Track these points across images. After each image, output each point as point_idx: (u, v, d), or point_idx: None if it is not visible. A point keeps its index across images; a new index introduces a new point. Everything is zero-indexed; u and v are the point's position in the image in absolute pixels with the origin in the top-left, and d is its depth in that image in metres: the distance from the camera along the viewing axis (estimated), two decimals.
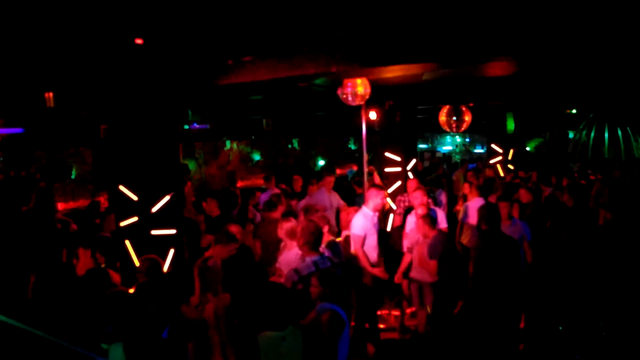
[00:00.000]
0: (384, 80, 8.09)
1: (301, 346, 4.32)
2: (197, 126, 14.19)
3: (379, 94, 9.10)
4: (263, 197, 10.37)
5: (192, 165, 15.42)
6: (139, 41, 5.06)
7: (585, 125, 19.53)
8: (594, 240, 6.64)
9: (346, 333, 4.50)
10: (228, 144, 17.38)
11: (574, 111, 16.47)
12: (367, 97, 7.61)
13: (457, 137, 22.90)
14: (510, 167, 15.31)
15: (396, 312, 8.28)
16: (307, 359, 4.35)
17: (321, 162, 18.73)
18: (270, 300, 4.42)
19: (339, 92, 7.76)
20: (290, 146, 18.55)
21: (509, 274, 6.00)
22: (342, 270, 5.63)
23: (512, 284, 5.98)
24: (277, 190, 10.51)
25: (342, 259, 6.62)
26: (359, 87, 7.37)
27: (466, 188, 9.59)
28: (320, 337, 4.41)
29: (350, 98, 7.55)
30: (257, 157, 17.89)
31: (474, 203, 8.63)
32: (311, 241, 5.40)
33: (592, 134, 20.20)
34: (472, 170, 13.59)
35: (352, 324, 6.62)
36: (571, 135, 21.42)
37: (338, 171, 14.22)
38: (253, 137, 17.20)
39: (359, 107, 8.67)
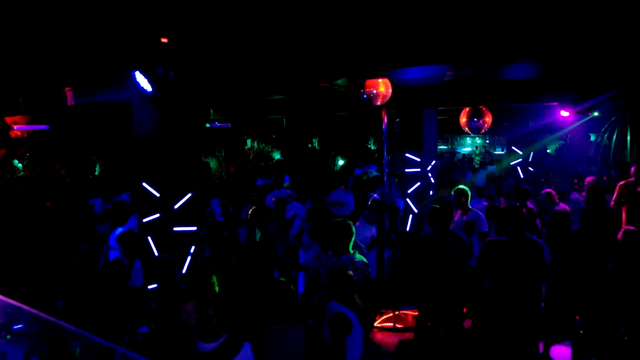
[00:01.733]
0: (406, 81, 8.13)
1: (302, 342, 4.43)
2: (218, 125, 14.31)
3: (400, 95, 9.13)
4: (274, 195, 10.37)
5: (213, 164, 15.55)
6: (164, 40, 5.16)
7: (607, 127, 19.32)
8: (615, 243, 6.59)
9: (355, 334, 4.57)
10: (249, 142, 17.50)
11: (595, 114, 16.30)
12: (389, 97, 7.66)
13: (477, 138, 22.80)
14: (530, 169, 15.23)
15: (414, 312, 8.30)
16: (310, 354, 4.45)
17: (340, 162, 18.78)
18: (272, 296, 4.55)
19: (362, 92, 7.81)
20: (310, 146, 18.62)
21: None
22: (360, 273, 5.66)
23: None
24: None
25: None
26: (380, 87, 7.42)
27: None
28: (326, 335, 4.53)
29: (372, 98, 7.61)
30: (277, 156, 17.99)
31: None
32: (339, 241, 5.52)
33: (614, 137, 19.98)
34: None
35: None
36: (592, 138, 21.22)
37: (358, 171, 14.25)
38: (274, 136, 17.32)
39: (379, 108, 8.72)
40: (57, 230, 7.75)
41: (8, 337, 1.92)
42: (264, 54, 7.12)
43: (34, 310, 1.82)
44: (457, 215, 8.02)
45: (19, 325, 2.14)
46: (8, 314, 2.00)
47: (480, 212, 8.12)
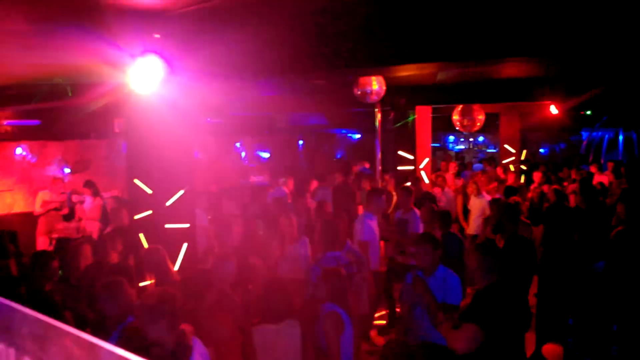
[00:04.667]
0: (399, 79, 8.10)
1: (298, 342, 4.33)
2: (210, 121, 14.24)
3: (394, 93, 9.12)
4: (271, 195, 10.38)
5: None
6: (156, 35, 5.09)
7: (599, 126, 19.41)
8: (608, 241, 6.60)
9: (347, 334, 4.52)
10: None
11: (588, 112, 16.36)
12: (382, 94, 7.64)
13: (470, 136, 22.82)
14: (523, 167, 15.25)
15: None
16: (305, 355, 4.37)
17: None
18: (269, 293, 4.46)
19: (355, 89, 7.78)
20: (301, 142, 18.57)
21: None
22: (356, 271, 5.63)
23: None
24: (285, 189, 10.56)
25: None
26: (373, 85, 7.40)
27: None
28: (321, 335, 4.46)
29: (365, 96, 7.58)
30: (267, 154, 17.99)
31: None
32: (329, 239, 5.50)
33: (607, 136, 20.09)
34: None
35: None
36: (585, 136, 21.32)
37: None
38: (266, 133, 17.27)
39: (372, 105, 8.71)
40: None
41: None
42: (258, 48, 7.07)
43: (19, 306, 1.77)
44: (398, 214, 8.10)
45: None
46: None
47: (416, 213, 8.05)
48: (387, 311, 8.31)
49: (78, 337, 1.52)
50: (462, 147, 23.78)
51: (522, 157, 15.67)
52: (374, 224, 7.28)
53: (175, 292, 3.74)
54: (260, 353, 4.27)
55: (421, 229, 7.40)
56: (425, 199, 8.60)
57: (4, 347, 1.77)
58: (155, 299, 3.46)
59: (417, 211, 7.81)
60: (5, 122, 11.36)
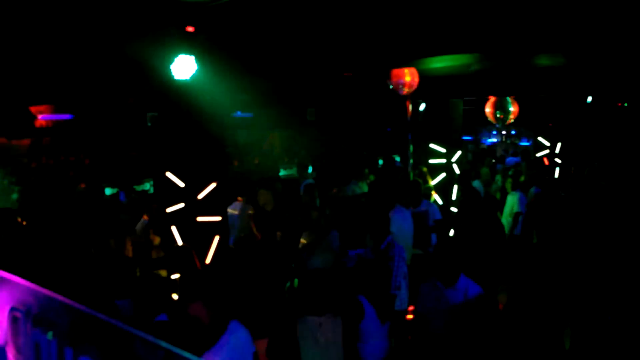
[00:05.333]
0: (432, 70, 8.00)
1: (340, 335, 4.32)
2: (240, 114, 14.26)
3: (426, 85, 9.01)
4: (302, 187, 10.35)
5: (234, 154, 15.54)
6: (190, 29, 5.10)
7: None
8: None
9: (371, 326, 4.53)
10: (269, 133, 17.47)
11: (626, 104, 15.97)
12: (415, 86, 7.54)
13: (502, 129, 22.47)
14: (558, 160, 14.93)
15: None
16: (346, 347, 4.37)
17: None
18: (311, 284, 4.43)
19: (389, 81, 7.70)
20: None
21: None
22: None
23: None
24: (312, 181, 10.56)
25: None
26: (406, 77, 7.31)
27: None
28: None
29: (398, 88, 7.50)
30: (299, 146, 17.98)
31: None
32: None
33: None
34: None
35: None
36: None
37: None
38: (296, 127, 17.24)
39: (403, 98, 8.60)
40: (84, 220, 7.75)
41: (50, 333, 1.86)
42: (289, 42, 7.04)
43: (68, 301, 1.76)
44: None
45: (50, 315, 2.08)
46: (43, 304, 1.95)
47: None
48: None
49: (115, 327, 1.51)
50: (494, 140, 23.44)
51: (557, 150, 15.35)
52: (405, 217, 7.21)
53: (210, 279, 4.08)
54: (303, 345, 4.26)
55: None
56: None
57: (48, 339, 1.77)
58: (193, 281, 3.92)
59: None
60: (40, 116, 11.54)
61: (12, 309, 2.26)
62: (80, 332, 1.67)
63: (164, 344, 1.45)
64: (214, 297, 3.72)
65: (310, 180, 10.70)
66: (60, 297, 1.92)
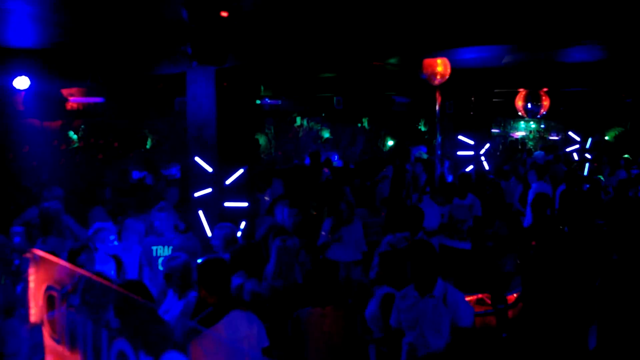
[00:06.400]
0: (463, 62, 7.90)
1: (341, 327, 4.28)
2: (268, 101, 14.27)
3: (456, 77, 8.91)
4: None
5: (262, 140, 15.55)
6: (224, 14, 5.10)
7: None
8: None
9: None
10: (298, 120, 17.42)
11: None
12: (447, 76, 7.46)
13: (531, 122, 22.13)
14: (587, 155, 14.70)
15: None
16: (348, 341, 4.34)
17: (390, 142, 18.55)
18: (315, 277, 4.45)
19: (420, 72, 7.64)
20: (359, 125, 18.41)
21: None
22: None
23: None
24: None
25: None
26: (439, 67, 7.23)
27: None
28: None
29: (430, 78, 7.43)
30: (326, 134, 17.89)
31: None
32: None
33: None
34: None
35: None
36: None
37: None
38: (323, 115, 17.18)
39: (432, 89, 8.51)
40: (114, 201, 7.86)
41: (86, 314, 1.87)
42: (317, 30, 7.00)
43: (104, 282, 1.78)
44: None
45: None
46: (79, 285, 1.98)
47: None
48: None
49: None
50: (523, 133, 23.10)
51: (587, 145, 15.10)
52: (434, 211, 7.18)
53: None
54: (306, 336, 4.26)
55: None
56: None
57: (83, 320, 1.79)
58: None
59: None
60: (71, 99, 11.66)
61: (48, 288, 2.29)
62: (116, 315, 1.69)
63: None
64: None
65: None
66: (96, 278, 1.94)
